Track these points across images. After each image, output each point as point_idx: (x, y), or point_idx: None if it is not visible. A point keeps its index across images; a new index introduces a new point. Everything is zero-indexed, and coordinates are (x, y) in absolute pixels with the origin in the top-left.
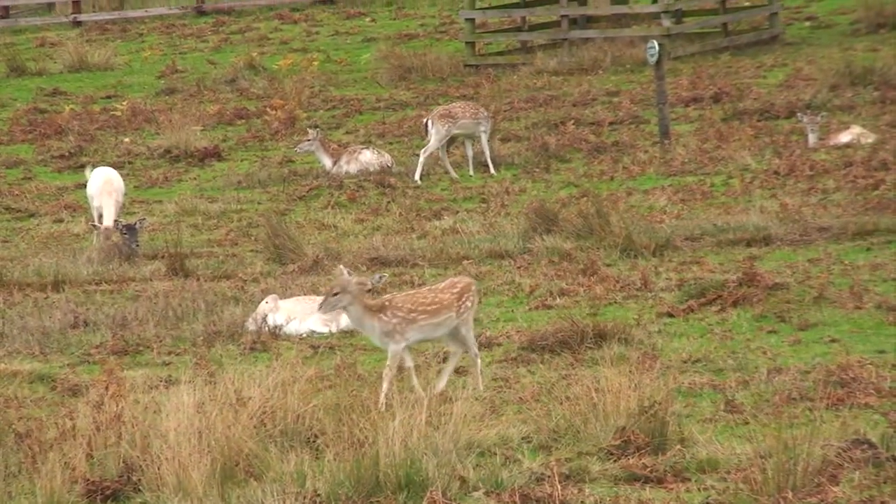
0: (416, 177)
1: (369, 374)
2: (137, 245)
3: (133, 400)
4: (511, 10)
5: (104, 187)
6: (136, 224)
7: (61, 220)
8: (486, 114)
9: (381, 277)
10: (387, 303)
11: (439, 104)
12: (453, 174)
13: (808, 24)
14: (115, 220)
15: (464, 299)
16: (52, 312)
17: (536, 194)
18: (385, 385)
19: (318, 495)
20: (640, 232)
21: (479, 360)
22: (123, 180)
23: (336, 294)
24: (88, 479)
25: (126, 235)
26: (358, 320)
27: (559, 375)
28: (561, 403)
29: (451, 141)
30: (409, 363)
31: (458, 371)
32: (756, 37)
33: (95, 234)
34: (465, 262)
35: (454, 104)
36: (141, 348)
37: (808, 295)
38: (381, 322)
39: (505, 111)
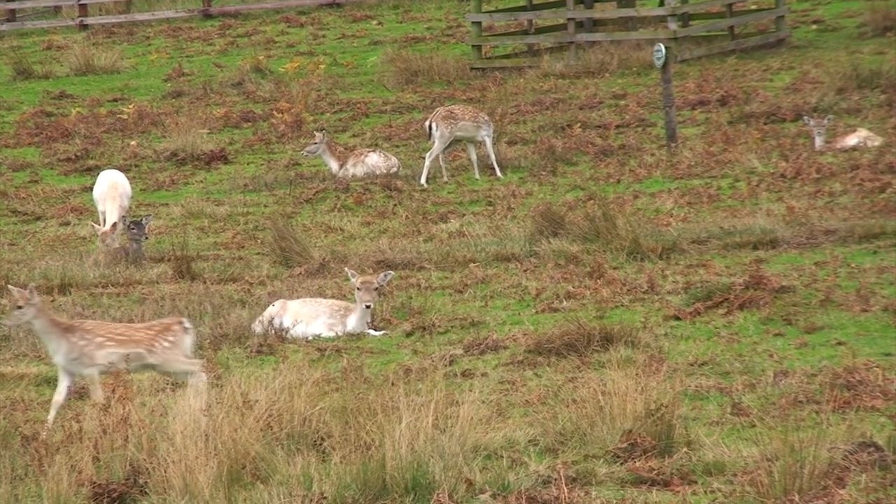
0: (423, 180)
1: (376, 377)
2: (146, 237)
3: (140, 403)
4: (517, 13)
5: (109, 191)
6: (142, 220)
7: (68, 224)
8: (486, 118)
9: (386, 276)
10: (76, 325)
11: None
12: (445, 176)
13: (814, 27)
14: (122, 217)
15: (160, 339)
16: (59, 315)
17: (543, 197)
18: (97, 396)
19: (325, 498)
20: (646, 235)
21: (201, 381)
22: (130, 183)
23: (20, 307)
24: (95, 482)
25: (134, 230)
26: (43, 335)
27: (566, 378)
28: (567, 406)
29: (453, 144)
30: (60, 397)
31: (465, 374)
32: (762, 40)
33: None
34: (471, 265)
35: (455, 105)
36: None
37: (814, 298)
38: (69, 343)
39: (511, 114)
